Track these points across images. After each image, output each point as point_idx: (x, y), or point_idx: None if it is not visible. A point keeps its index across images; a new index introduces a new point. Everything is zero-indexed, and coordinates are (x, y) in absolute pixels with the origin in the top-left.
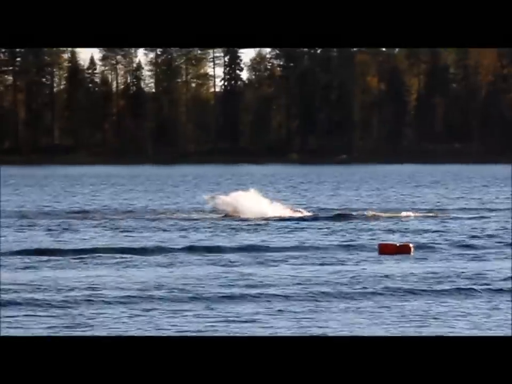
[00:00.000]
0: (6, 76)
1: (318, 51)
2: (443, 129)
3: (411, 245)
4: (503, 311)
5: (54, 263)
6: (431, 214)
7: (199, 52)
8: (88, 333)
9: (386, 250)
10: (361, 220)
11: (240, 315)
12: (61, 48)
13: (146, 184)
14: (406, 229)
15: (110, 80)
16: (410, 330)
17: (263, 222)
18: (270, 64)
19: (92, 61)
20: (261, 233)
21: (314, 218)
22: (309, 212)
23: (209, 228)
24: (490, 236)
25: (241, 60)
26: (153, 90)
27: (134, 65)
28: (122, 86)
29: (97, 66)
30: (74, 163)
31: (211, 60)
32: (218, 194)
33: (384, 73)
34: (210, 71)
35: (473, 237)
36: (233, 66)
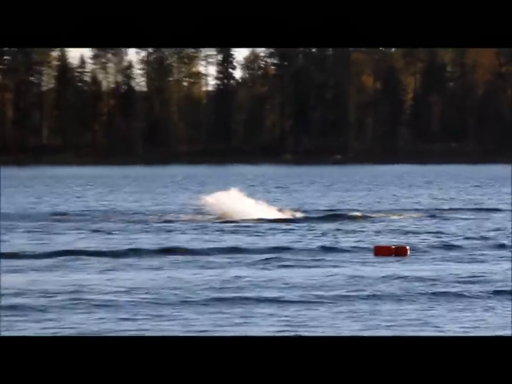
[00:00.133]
0: None
1: (313, 50)
2: (440, 129)
3: (407, 247)
4: (501, 313)
5: (38, 265)
6: (425, 215)
7: (191, 50)
8: (88, 333)
9: (382, 252)
10: (353, 221)
11: (231, 316)
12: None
13: (133, 186)
14: (400, 229)
15: (100, 79)
16: (408, 331)
17: (246, 223)
18: (263, 62)
19: (81, 59)
20: (242, 234)
21: (304, 219)
22: (298, 212)
23: (193, 229)
24: (485, 238)
25: (234, 58)
26: (145, 89)
27: (125, 63)
28: (113, 85)
29: (87, 65)
30: (63, 163)
31: (203, 58)
32: (202, 195)
33: (380, 72)
34: (202, 69)
35: (468, 238)
36: (226, 64)
